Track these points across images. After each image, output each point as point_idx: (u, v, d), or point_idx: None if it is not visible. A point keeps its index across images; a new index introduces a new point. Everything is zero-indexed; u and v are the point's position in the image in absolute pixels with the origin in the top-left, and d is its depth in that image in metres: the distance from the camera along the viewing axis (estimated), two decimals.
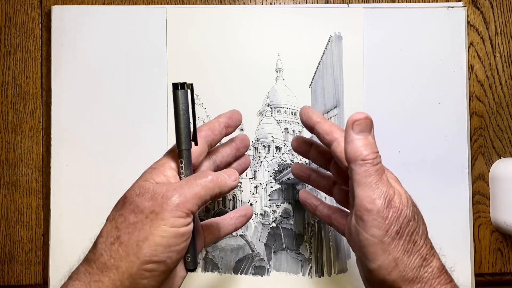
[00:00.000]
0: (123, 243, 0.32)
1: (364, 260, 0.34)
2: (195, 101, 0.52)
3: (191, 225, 0.34)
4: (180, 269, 0.39)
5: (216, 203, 0.52)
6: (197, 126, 0.39)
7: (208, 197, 0.35)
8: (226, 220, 0.44)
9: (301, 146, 0.45)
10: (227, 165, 0.44)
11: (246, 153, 0.45)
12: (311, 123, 0.40)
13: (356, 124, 0.34)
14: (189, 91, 0.37)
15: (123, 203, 0.35)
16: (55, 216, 0.51)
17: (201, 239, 0.42)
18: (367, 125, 0.34)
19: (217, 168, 0.42)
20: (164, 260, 0.33)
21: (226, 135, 0.42)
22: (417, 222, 0.34)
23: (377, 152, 0.34)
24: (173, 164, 0.38)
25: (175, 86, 0.37)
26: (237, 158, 0.45)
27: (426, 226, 0.36)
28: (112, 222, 0.34)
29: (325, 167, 0.43)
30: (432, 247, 0.35)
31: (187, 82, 0.37)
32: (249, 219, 0.46)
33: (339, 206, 0.44)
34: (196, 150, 0.38)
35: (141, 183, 0.36)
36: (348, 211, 0.42)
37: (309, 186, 0.52)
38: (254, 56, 0.52)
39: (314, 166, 0.49)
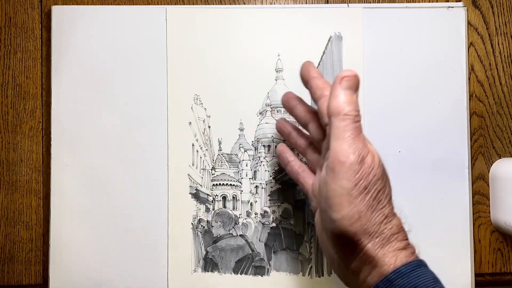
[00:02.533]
0: None
1: (328, 211, 0.36)
2: (195, 101, 0.52)
3: None
4: None
5: (216, 203, 0.52)
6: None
7: None
8: None
9: (290, 102, 0.46)
10: None
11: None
12: (307, 76, 0.41)
13: (344, 79, 0.36)
14: None
15: None
16: (55, 216, 0.51)
17: None
18: (355, 83, 0.37)
19: None
20: None
21: None
22: (384, 183, 0.36)
23: (359, 111, 0.36)
24: None
25: None
26: None
27: (391, 189, 0.37)
28: None
29: (306, 127, 0.45)
30: (393, 209, 0.37)
31: None
32: None
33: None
34: None
35: None
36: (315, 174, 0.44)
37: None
38: (254, 56, 0.52)
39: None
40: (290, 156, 0.47)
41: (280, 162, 0.48)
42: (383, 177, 0.36)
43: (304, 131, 0.47)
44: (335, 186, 0.35)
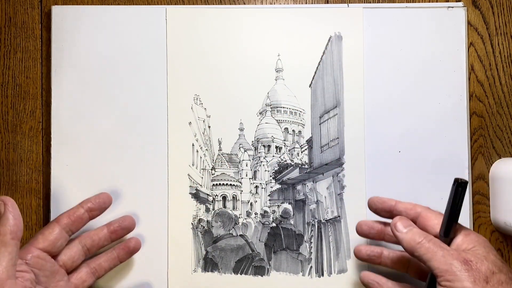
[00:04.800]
0: None
1: None
2: (195, 101, 0.52)
3: None
4: None
5: (216, 203, 0.52)
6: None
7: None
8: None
9: (374, 227, 0.47)
10: (100, 248, 0.47)
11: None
12: (387, 206, 0.45)
13: (398, 223, 0.41)
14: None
15: None
16: (55, 216, 0.51)
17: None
18: (407, 220, 0.42)
19: (88, 253, 0.47)
20: None
21: (91, 219, 0.46)
22: (506, 274, 0.37)
23: (423, 233, 0.40)
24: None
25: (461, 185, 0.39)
26: (114, 240, 0.48)
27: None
28: None
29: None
30: None
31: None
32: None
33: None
34: (49, 237, 0.42)
35: None
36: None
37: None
38: (254, 56, 0.52)
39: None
40: (380, 279, 0.47)
41: None
42: (500, 268, 0.37)
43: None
44: None
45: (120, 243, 0.48)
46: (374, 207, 0.46)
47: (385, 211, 0.45)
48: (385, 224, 0.47)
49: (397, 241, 0.42)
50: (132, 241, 0.49)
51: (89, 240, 0.47)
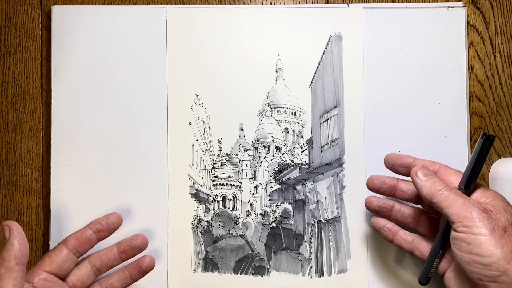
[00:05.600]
0: None
1: (478, 260, 0.36)
2: (195, 101, 0.52)
3: None
4: None
5: (216, 203, 0.52)
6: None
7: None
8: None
9: (387, 182, 0.46)
10: (110, 268, 0.47)
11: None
12: (405, 162, 0.45)
13: (419, 171, 0.42)
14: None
15: None
16: (55, 216, 0.51)
17: None
18: (428, 170, 0.42)
19: (99, 273, 0.46)
20: None
21: (99, 240, 0.46)
22: None
23: (442, 183, 0.40)
24: None
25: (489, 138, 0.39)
26: (125, 260, 0.47)
27: None
28: None
29: (414, 201, 0.46)
30: None
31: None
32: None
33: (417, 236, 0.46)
34: (56, 260, 0.43)
35: None
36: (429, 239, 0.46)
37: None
38: (254, 56, 0.52)
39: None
40: (394, 227, 0.47)
41: (382, 237, 0.48)
42: None
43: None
44: (475, 236, 0.36)
45: (133, 262, 0.47)
46: (391, 163, 0.46)
47: (403, 167, 0.45)
48: (398, 180, 0.46)
49: (409, 196, 0.44)
50: (145, 260, 0.47)
51: (99, 261, 0.46)
